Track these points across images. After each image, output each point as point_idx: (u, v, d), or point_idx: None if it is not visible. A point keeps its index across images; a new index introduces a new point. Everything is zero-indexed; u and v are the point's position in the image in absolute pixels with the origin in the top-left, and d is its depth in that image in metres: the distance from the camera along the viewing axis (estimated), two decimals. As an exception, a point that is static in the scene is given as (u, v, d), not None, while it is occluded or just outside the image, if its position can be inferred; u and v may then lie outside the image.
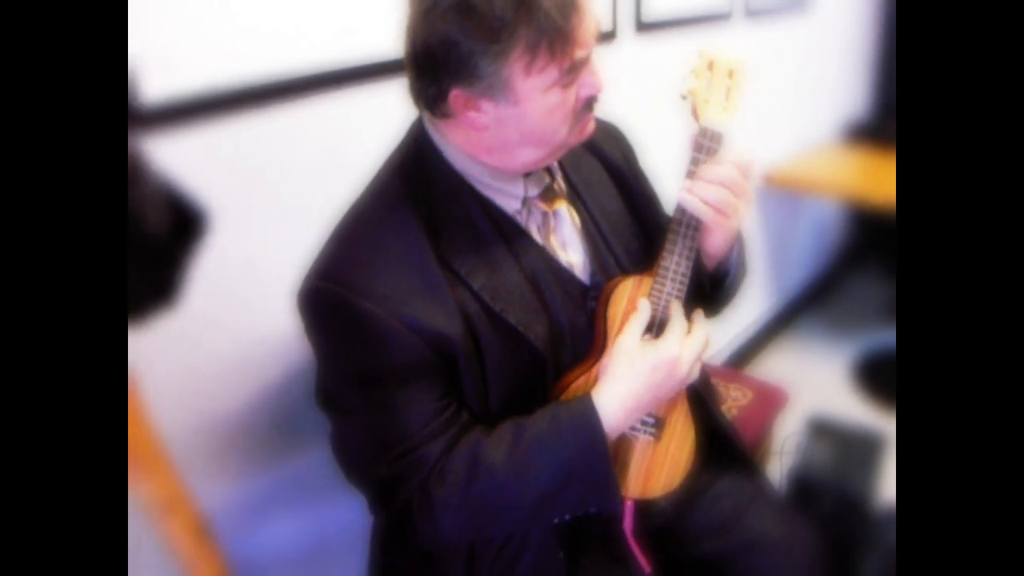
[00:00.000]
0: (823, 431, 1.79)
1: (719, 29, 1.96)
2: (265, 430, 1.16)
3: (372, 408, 0.85)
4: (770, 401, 1.64)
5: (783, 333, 2.72)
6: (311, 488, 1.23)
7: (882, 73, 2.93)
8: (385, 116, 1.18)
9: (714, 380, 1.27)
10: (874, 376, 2.45)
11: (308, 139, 1.12)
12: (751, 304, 2.52)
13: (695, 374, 0.92)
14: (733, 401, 1.64)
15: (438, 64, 0.77)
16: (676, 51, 1.79)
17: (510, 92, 0.78)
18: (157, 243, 0.65)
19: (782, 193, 2.46)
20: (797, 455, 1.70)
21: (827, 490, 1.59)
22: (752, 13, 2.08)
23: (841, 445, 1.75)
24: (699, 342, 0.90)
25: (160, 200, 0.66)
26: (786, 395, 1.68)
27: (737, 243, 0.99)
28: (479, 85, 0.78)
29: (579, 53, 0.78)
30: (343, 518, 1.26)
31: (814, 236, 2.91)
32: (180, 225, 0.69)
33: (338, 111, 1.15)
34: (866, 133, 2.78)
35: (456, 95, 0.79)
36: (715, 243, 0.95)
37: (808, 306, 2.88)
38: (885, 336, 2.64)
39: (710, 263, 0.99)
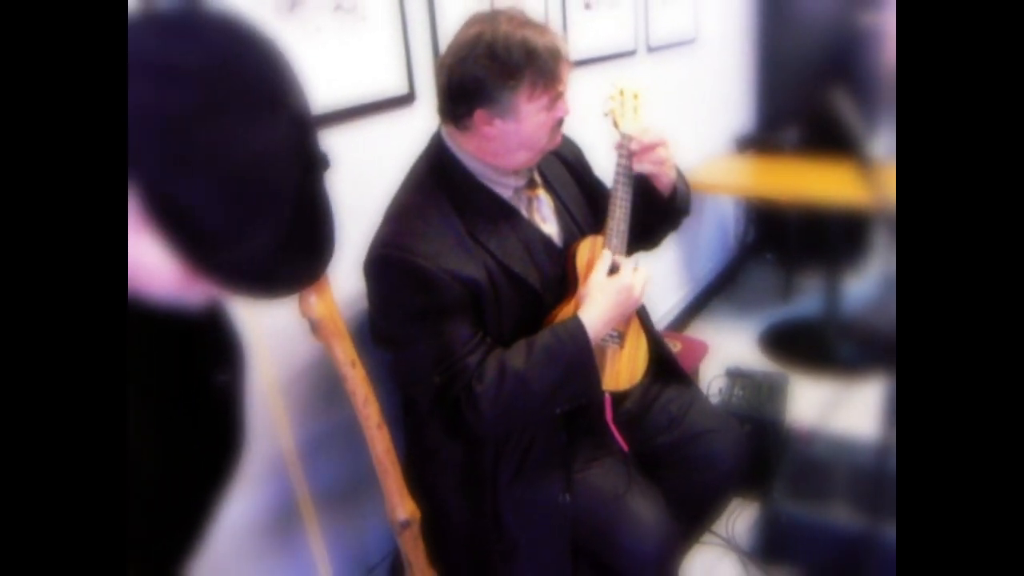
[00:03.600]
0: (738, 376, 2.23)
1: (628, 63, 2.42)
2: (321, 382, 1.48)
3: (427, 336, 1.20)
4: (695, 350, 2.07)
5: (699, 316, 3.18)
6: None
7: (760, 93, 3.49)
8: (391, 138, 1.54)
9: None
10: (774, 343, 2.93)
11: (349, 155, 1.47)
12: (669, 293, 2.97)
13: (642, 300, 1.32)
14: (667, 354, 2.05)
15: (469, 93, 1.16)
16: (598, 81, 2.22)
17: (516, 113, 1.17)
18: None
19: (688, 196, 2.94)
20: (720, 395, 2.13)
21: (747, 417, 2.01)
22: (652, 49, 2.55)
23: (753, 385, 2.20)
24: (643, 275, 1.30)
25: None
26: (707, 346, 2.11)
27: (678, 175, 1.42)
28: (497, 108, 1.16)
29: (560, 87, 1.19)
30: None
31: (718, 232, 3.41)
32: None
33: (358, 136, 1.50)
34: (751, 143, 3.32)
35: (479, 114, 1.17)
36: (662, 183, 1.38)
37: (718, 291, 3.36)
38: (779, 312, 3.14)
39: (666, 193, 1.41)
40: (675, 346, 2.04)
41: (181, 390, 0.79)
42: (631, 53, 2.43)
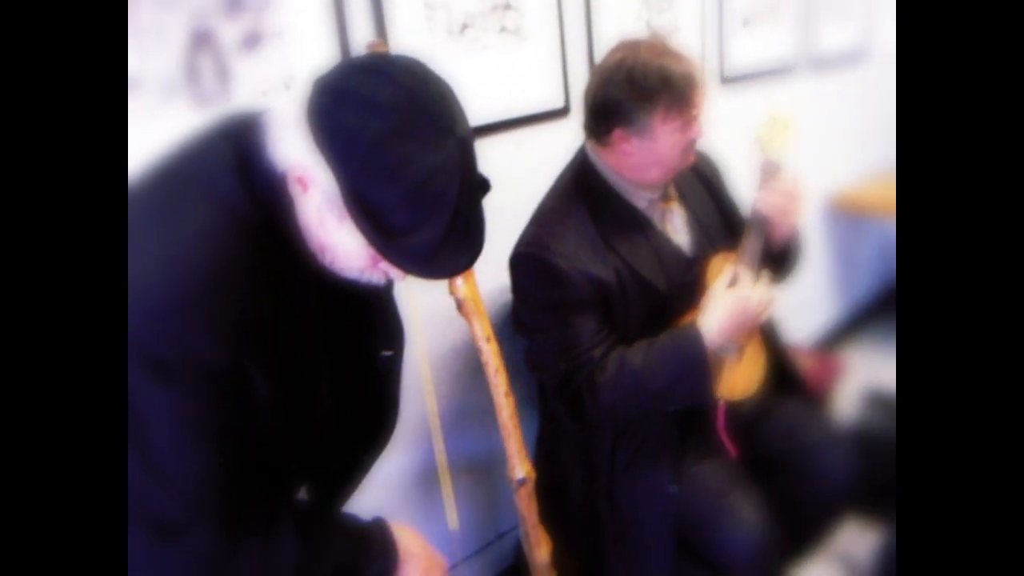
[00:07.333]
0: (876, 399, 2.21)
1: (786, 79, 2.44)
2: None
3: (559, 327, 1.35)
4: (828, 368, 2.08)
5: (856, 335, 3.09)
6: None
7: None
8: (547, 147, 1.71)
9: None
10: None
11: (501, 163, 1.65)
12: (819, 311, 2.93)
13: (765, 315, 1.39)
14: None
15: (610, 113, 1.30)
16: (752, 99, 2.27)
17: (651, 133, 1.30)
18: None
19: (845, 214, 2.89)
20: (854, 416, 2.12)
21: (880, 440, 1.99)
22: (816, 64, 2.54)
23: (890, 410, 2.16)
24: (763, 292, 1.36)
25: None
26: (842, 365, 2.11)
27: (796, 233, 1.47)
28: (633, 128, 1.30)
29: (694, 111, 1.29)
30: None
31: (878, 253, 3.29)
32: None
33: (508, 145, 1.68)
34: (923, 162, 3.18)
35: (618, 132, 1.31)
36: (780, 233, 1.43)
37: (875, 314, 3.25)
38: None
39: (777, 246, 1.46)
40: (805, 361, 2.06)
41: (355, 360, 0.98)
42: (789, 69, 2.45)
